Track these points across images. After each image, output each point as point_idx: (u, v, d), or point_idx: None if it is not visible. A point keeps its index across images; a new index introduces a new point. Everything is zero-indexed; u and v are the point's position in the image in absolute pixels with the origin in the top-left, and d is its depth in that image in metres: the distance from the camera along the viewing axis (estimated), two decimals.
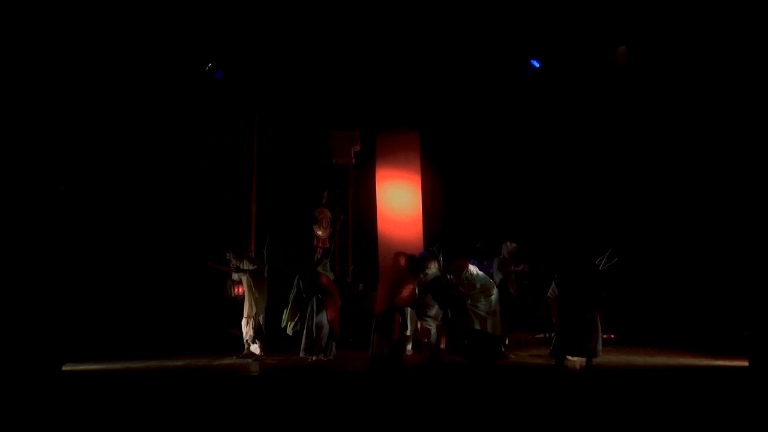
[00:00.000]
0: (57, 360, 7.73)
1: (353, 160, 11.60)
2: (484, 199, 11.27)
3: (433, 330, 7.88)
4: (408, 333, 8.47)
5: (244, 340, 8.85)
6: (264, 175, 11.38)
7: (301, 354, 8.46)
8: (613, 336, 9.64)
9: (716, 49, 8.57)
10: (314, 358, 8.39)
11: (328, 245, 11.31)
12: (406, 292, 7.58)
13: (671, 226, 9.70)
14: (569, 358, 7.71)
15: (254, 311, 8.76)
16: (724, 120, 8.70)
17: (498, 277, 8.70)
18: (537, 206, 11.01)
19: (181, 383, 7.22)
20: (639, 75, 9.99)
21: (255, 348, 8.77)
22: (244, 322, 8.83)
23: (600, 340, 7.57)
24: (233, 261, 8.93)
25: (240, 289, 9.51)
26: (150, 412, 5.66)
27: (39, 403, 6.18)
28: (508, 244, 9.04)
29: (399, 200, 11.66)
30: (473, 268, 7.97)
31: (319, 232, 11.21)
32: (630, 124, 10.36)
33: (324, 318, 8.44)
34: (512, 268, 8.94)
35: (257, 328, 8.79)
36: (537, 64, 10.46)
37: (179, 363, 8.46)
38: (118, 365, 8.18)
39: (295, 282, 8.68)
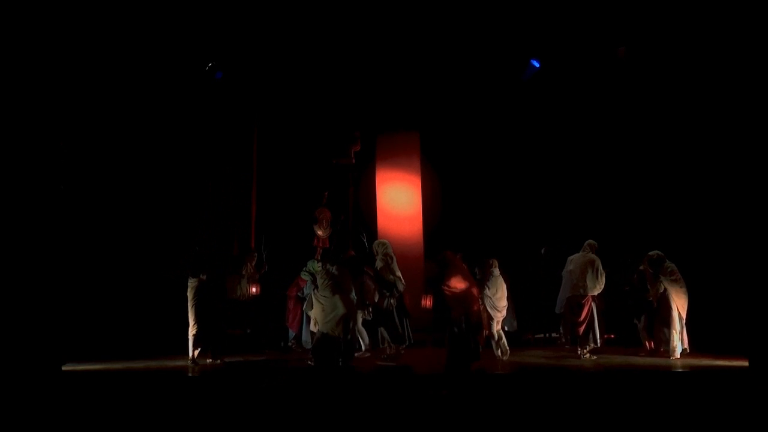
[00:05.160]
0: (57, 360, 7.73)
1: (353, 160, 11.59)
2: (484, 200, 11.26)
3: (497, 327, 8.19)
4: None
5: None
6: (264, 175, 11.37)
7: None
8: (612, 336, 9.63)
9: (717, 49, 8.57)
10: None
11: (328, 245, 11.30)
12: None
13: (670, 227, 9.68)
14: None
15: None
16: (719, 120, 8.71)
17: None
18: (537, 207, 11.00)
19: (181, 383, 7.22)
20: (640, 74, 9.98)
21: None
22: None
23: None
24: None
25: (254, 289, 9.49)
26: (150, 413, 5.66)
27: (39, 403, 6.18)
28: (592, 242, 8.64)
29: (399, 201, 11.65)
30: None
31: (320, 232, 11.19)
32: (629, 124, 10.35)
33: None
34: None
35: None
36: (537, 65, 10.46)
37: (179, 363, 8.46)
38: (118, 365, 8.18)
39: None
